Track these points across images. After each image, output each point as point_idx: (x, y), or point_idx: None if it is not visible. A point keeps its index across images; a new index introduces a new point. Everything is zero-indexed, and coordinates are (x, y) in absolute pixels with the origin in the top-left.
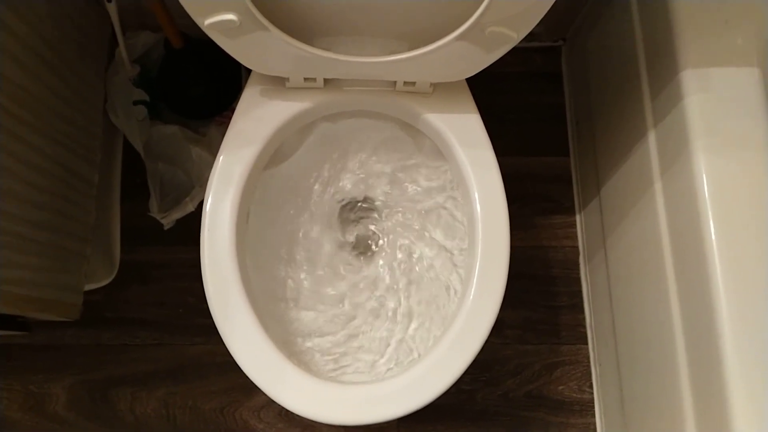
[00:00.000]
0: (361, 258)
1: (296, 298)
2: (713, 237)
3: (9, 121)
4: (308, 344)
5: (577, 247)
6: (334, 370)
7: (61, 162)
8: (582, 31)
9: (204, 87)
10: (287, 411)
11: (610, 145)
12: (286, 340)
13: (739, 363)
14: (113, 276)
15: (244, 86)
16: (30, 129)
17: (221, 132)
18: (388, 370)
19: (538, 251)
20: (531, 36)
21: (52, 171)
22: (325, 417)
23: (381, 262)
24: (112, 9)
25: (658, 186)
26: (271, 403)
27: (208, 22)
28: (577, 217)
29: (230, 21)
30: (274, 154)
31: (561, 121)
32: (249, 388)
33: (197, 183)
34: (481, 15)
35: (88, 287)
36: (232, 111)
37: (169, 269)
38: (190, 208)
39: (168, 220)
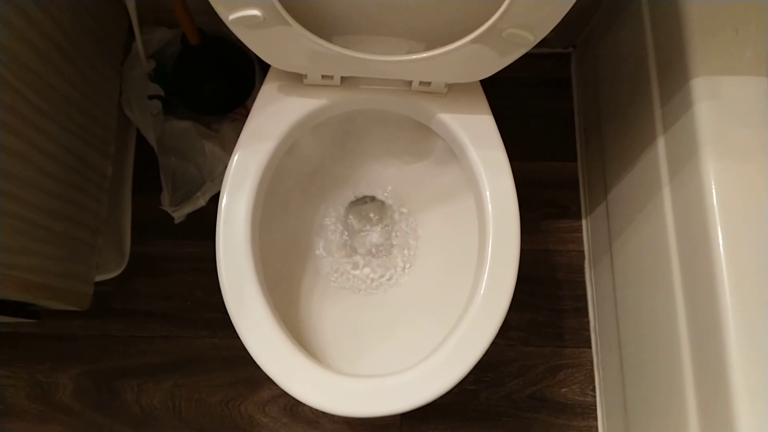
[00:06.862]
0: (371, 251)
1: (308, 288)
2: (721, 244)
3: (26, 108)
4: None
5: (582, 252)
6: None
7: (75, 152)
8: (593, 38)
9: (218, 84)
10: (292, 406)
11: (619, 150)
12: (298, 328)
13: (745, 371)
14: (123, 268)
15: (260, 84)
16: (46, 117)
17: (234, 128)
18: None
19: (544, 255)
20: (541, 42)
21: (67, 161)
22: (335, 408)
23: (389, 255)
24: (130, 4)
25: (666, 192)
26: (277, 397)
27: (232, 17)
28: (584, 222)
29: (254, 16)
30: (288, 149)
31: (569, 127)
32: (254, 382)
33: (209, 178)
34: (500, 18)
35: (97, 278)
36: (245, 108)
37: (179, 263)
38: (202, 202)
39: (179, 214)
